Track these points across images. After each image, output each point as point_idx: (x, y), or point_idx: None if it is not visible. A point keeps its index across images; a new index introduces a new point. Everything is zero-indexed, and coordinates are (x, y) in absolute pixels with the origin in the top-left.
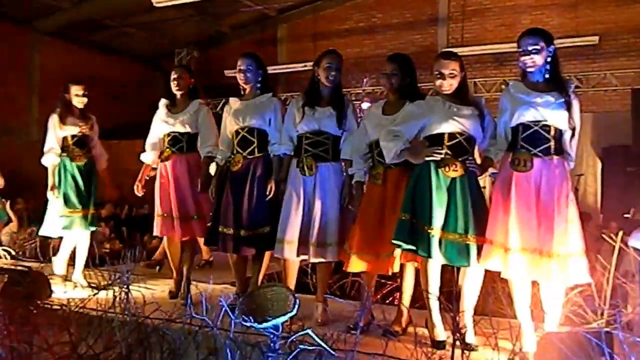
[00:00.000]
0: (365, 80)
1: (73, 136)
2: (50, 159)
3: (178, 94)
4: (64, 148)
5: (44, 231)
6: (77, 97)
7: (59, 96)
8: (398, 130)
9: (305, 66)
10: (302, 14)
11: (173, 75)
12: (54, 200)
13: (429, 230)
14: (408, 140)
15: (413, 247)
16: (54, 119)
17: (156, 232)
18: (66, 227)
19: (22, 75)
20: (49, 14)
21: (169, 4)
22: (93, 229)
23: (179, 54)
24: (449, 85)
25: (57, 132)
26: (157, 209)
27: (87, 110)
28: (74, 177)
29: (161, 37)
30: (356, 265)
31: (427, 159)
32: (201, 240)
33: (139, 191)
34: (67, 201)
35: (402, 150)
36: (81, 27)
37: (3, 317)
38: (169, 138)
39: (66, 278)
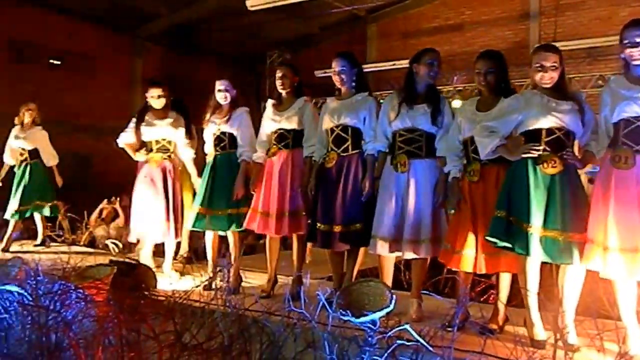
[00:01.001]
0: (455, 77)
1: (213, 134)
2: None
3: (283, 92)
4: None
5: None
6: (219, 92)
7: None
8: (493, 126)
9: (394, 65)
10: (391, 13)
11: (278, 74)
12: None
13: (528, 228)
14: (504, 136)
15: (508, 245)
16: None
17: (250, 227)
18: (191, 224)
19: (125, 80)
20: (149, 20)
21: (262, 7)
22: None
23: (271, 56)
24: (550, 78)
25: (205, 130)
26: (255, 205)
27: (233, 106)
28: (207, 176)
29: (253, 39)
30: (463, 263)
31: (524, 155)
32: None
33: (253, 190)
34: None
35: (497, 147)
36: (179, 32)
37: (113, 306)
38: (275, 135)
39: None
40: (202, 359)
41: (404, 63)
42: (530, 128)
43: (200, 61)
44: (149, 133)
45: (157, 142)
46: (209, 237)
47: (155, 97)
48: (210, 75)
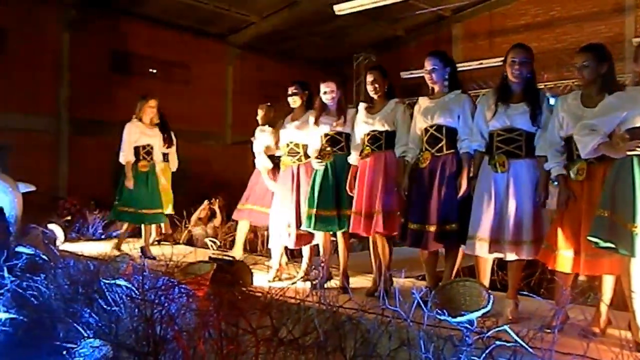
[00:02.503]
0: (545, 75)
1: (326, 134)
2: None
3: (375, 96)
4: (322, 148)
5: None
6: (325, 94)
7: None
8: (594, 124)
9: (481, 64)
10: (477, 12)
11: (369, 79)
12: None
13: (632, 228)
14: (606, 134)
15: (611, 245)
16: (310, 120)
17: (350, 228)
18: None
19: (217, 85)
20: (240, 28)
21: (349, 11)
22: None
23: (357, 59)
24: None
25: (313, 131)
26: (353, 206)
27: (342, 106)
28: (322, 177)
29: (340, 43)
30: (563, 263)
31: (629, 153)
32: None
33: (351, 192)
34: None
35: (599, 145)
36: (269, 39)
37: (213, 300)
38: (368, 137)
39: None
40: (297, 354)
41: (491, 62)
42: (637, 125)
43: (290, 66)
44: (283, 136)
45: (287, 145)
46: (320, 238)
47: (289, 95)
48: (299, 79)
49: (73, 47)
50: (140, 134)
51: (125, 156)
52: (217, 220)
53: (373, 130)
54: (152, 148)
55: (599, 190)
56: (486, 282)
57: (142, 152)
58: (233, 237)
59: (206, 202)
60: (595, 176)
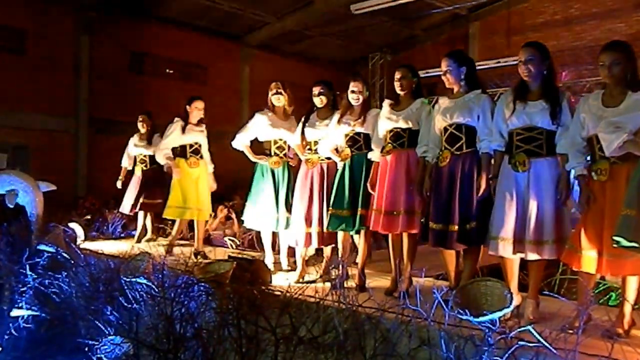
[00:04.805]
0: (564, 73)
1: (346, 134)
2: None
3: (401, 93)
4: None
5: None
6: (352, 94)
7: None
8: (619, 122)
9: (498, 62)
10: (494, 10)
11: (397, 76)
12: None
13: None
14: (632, 132)
15: (635, 245)
16: (334, 118)
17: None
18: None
19: (233, 84)
20: (256, 29)
21: (367, 10)
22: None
23: (372, 59)
24: None
25: (332, 129)
26: (373, 204)
27: (365, 107)
28: (339, 177)
29: (356, 43)
30: (587, 264)
31: None
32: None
33: (373, 190)
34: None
35: (625, 142)
36: (284, 39)
37: (233, 299)
38: (391, 134)
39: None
40: (317, 353)
41: (509, 60)
42: None
43: (305, 66)
44: (310, 134)
45: (316, 143)
46: (339, 237)
47: (315, 95)
48: (315, 79)
49: (91, 48)
50: (268, 126)
51: (236, 143)
52: (235, 227)
53: (396, 128)
54: (285, 142)
55: (622, 190)
56: (514, 282)
57: (274, 147)
58: (251, 236)
59: (221, 207)
60: (618, 176)
